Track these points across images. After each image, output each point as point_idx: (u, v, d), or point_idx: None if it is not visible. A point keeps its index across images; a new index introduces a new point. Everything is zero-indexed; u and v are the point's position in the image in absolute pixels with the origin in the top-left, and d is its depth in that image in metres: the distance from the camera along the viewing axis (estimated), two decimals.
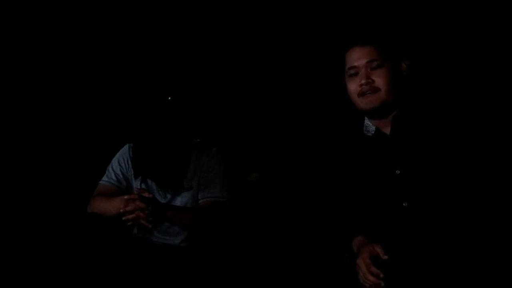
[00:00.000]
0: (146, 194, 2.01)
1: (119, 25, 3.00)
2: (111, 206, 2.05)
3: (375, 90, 1.71)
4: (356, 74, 1.75)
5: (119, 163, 2.24)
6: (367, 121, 1.82)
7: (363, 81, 1.72)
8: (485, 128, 1.67)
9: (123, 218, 1.99)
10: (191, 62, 3.04)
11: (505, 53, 2.54)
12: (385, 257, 1.57)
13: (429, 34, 2.64)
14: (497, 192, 1.54)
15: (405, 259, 1.61)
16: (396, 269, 1.58)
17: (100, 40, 3.02)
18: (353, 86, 1.76)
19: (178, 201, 2.17)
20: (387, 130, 1.77)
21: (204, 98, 2.97)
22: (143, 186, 2.18)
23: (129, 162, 2.22)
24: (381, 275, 1.54)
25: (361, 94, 1.73)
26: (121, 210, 1.98)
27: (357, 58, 1.74)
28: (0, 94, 2.95)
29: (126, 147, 2.27)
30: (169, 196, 2.18)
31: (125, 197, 2.02)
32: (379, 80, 1.71)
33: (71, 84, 3.04)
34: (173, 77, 2.88)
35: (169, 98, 2.16)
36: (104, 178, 2.23)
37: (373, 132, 1.78)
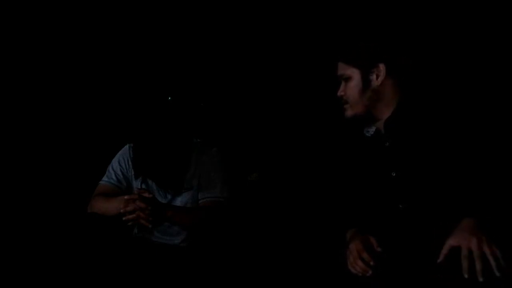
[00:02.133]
0: (146, 194, 2.01)
1: (119, 26, 3.01)
2: (111, 206, 2.05)
3: (346, 102, 1.76)
4: (340, 82, 1.79)
5: (120, 163, 2.24)
6: None
7: (338, 94, 1.78)
8: (480, 129, 1.66)
9: (123, 218, 1.99)
10: (191, 62, 3.04)
11: (504, 52, 2.53)
12: (379, 249, 1.59)
13: (423, 33, 2.64)
14: (494, 194, 1.54)
15: (399, 259, 1.61)
16: (388, 265, 1.59)
17: (100, 41, 3.02)
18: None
19: (178, 201, 2.17)
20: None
21: (204, 98, 2.97)
22: (143, 186, 2.18)
23: (130, 162, 2.22)
24: (371, 263, 1.57)
25: (342, 105, 1.79)
26: (121, 210, 1.99)
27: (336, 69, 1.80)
28: (0, 94, 2.95)
29: (126, 147, 2.27)
30: (169, 196, 2.18)
31: (125, 197, 2.02)
32: (347, 92, 1.75)
33: (71, 84, 3.04)
34: (173, 77, 2.89)
35: (169, 98, 2.16)
36: (104, 178, 2.23)
37: (372, 133, 1.78)
